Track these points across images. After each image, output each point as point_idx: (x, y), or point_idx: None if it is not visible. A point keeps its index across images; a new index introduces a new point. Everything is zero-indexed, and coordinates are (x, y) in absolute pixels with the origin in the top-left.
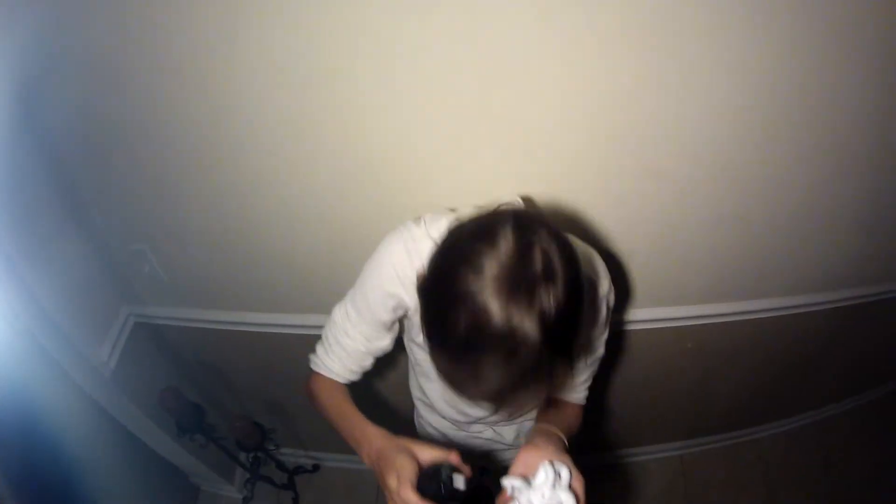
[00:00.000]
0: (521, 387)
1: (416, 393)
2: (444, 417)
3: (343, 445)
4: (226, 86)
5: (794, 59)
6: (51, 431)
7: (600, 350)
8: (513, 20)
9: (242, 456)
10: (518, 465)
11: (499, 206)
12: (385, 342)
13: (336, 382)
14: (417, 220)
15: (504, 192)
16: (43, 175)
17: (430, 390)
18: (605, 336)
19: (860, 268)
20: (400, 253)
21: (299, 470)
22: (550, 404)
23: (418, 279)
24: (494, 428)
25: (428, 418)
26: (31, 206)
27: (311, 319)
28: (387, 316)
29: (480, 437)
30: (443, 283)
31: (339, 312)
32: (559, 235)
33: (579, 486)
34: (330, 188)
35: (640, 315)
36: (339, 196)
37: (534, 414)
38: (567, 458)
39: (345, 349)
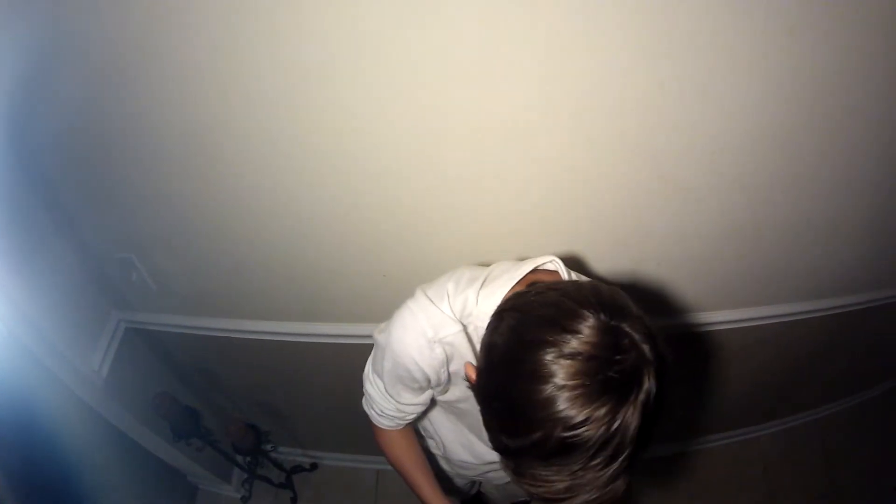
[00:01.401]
0: (609, 484)
1: (422, 423)
2: (450, 459)
3: (341, 444)
4: (215, 94)
5: (811, 68)
6: (50, 433)
7: None
8: (529, 27)
9: (239, 457)
10: None
11: (535, 268)
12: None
13: (401, 434)
14: (426, 297)
15: (518, 204)
16: (28, 184)
17: (442, 428)
18: None
19: (867, 272)
20: (422, 348)
21: (297, 469)
22: None
23: (475, 385)
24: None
25: (428, 447)
26: (16, 214)
27: (302, 327)
28: (423, 384)
29: (486, 476)
30: (518, 391)
31: (374, 390)
32: (643, 322)
33: None
34: (321, 195)
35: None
36: (330, 202)
37: None
38: None
39: (396, 413)
